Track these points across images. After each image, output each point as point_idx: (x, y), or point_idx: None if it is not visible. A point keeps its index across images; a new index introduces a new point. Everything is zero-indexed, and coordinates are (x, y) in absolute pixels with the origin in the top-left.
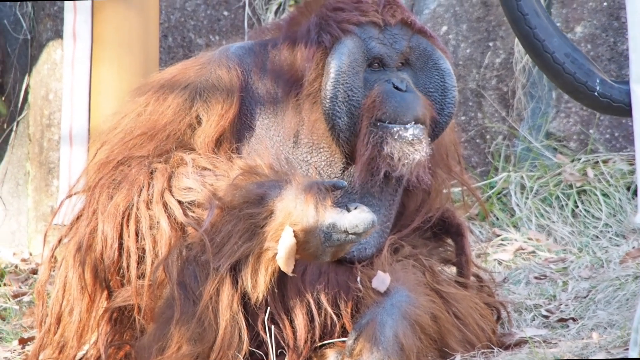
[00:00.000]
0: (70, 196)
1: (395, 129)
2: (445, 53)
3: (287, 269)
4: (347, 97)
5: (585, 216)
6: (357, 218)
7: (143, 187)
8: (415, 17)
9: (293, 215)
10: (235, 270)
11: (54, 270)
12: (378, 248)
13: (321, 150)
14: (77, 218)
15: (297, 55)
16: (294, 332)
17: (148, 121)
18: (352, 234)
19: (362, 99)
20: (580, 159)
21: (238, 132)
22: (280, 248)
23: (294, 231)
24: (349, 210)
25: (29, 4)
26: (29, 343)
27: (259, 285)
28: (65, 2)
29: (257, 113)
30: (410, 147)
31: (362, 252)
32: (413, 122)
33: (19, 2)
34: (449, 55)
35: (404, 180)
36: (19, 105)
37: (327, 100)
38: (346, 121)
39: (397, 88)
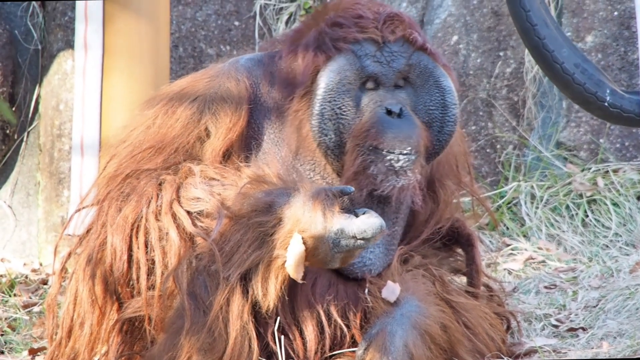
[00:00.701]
0: (79, 210)
1: (388, 157)
2: (448, 69)
3: (297, 276)
4: (335, 115)
5: (595, 225)
6: (365, 223)
7: (152, 198)
8: (418, 34)
9: (301, 222)
10: (245, 280)
11: (64, 281)
12: (384, 267)
13: (313, 164)
14: (87, 231)
15: (295, 69)
16: (304, 343)
17: (157, 134)
18: (360, 239)
19: (352, 118)
20: (590, 169)
21: (246, 144)
22: (290, 255)
23: (302, 238)
24: (357, 216)
25: (40, 14)
26: (39, 354)
27: (269, 293)
28: (76, 12)
29: (265, 125)
30: (394, 175)
31: (369, 273)
32: (405, 153)
33: (29, 13)
34: (451, 72)
35: (393, 200)
36: (30, 115)
37: (315, 117)
38: (334, 138)
39: (390, 112)
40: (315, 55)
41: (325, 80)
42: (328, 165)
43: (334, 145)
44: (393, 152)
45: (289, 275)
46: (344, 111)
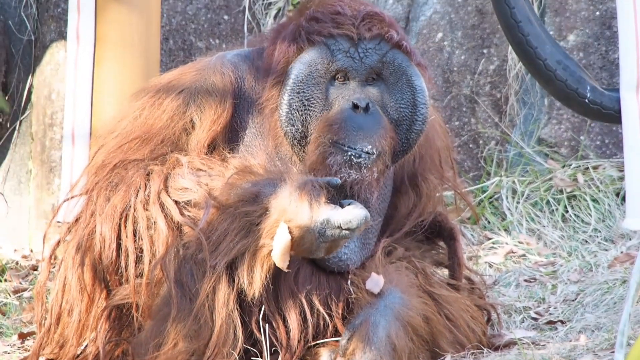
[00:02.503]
0: (68, 199)
1: (348, 153)
2: (423, 69)
3: (283, 265)
4: (303, 106)
5: (575, 221)
6: (351, 214)
7: (140, 188)
8: (396, 32)
9: (287, 212)
10: (231, 269)
11: (54, 268)
12: (360, 261)
13: (280, 153)
14: (76, 220)
15: (271, 61)
16: (287, 332)
17: (144, 125)
18: (345, 229)
19: (320, 110)
20: (570, 165)
21: (230, 137)
22: (276, 244)
23: (288, 228)
24: (342, 207)
25: (34, 6)
26: (28, 338)
27: (255, 282)
28: (69, 3)
29: (249, 119)
30: (349, 168)
31: (345, 268)
32: (366, 151)
33: (23, 4)
34: (426, 71)
35: (348, 192)
36: (22, 104)
37: (283, 107)
38: (300, 129)
39: (357, 107)
40: (289, 47)
41: (295, 72)
42: (294, 154)
43: (300, 136)
44: (354, 148)
45: (274, 264)
46: (312, 103)
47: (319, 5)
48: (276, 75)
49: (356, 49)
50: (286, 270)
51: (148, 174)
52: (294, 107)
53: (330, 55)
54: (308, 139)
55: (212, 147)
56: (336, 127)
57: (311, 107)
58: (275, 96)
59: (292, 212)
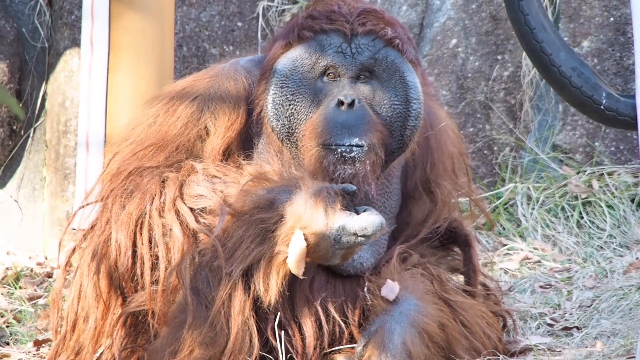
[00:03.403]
0: (84, 206)
1: (338, 150)
2: (416, 66)
3: (298, 272)
4: (288, 101)
5: (590, 227)
6: (366, 220)
7: (155, 195)
8: (393, 30)
9: (303, 219)
10: (247, 276)
11: (69, 276)
12: (374, 264)
13: (273, 150)
14: (92, 227)
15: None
16: (303, 339)
17: (158, 132)
18: (361, 236)
19: (307, 106)
20: (585, 171)
21: (245, 142)
22: (291, 251)
23: (304, 234)
24: (357, 213)
25: (47, 13)
26: (43, 345)
27: (270, 289)
28: (83, 10)
29: (262, 124)
30: (343, 164)
31: (359, 268)
32: (354, 145)
33: (37, 12)
34: (418, 67)
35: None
36: (36, 112)
37: (269, 102)
38: (287, 124)
39: (342, 103)
40: (279, 44)
41: (279, 67)
42: (287, 150)
43: (287, 131)
44: (342, 145)
45: (289, 271)
46: (297, 98)
47: (318, 4)
48: (264, 73)
49: (349, 45)
50: (302, 277)
51: (163, 181)
52: (277, 102)
53: (320, 50)
54: (296, 135)
55: (227, 154)
56: (321, 130)
57: (297, 102)
58: (262, 94)
59: (308, 219)
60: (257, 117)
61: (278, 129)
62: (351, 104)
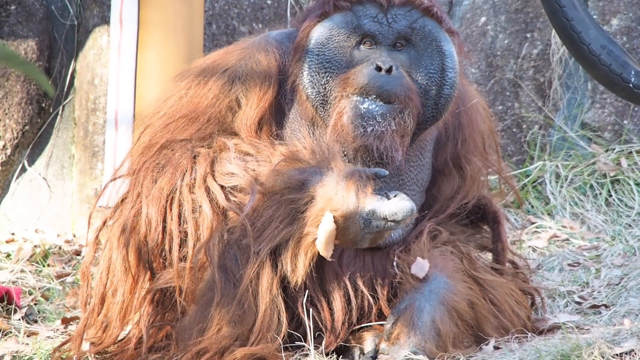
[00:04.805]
0: (114, 179)
1: (354, 99)
2: (453, 35)
3: (327, 253)
4: (324, 68)
5: (618, 205)
6: (397, 206)
7: (186, 171)
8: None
9: (334, 201)
10: (275, 255)
11: (98, 252)
12: (403, 235)
13: (309, 121)
14: (122, 200)
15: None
16: (332, 315)
17: (190, 104)
18: (391, 221)
19: (342, 72)
20: (614, 149)
21: (277, 114)
22: (320, 233)
23: (334, 217)
24: (388, 198)
25: None
26: (71, 323)
27: (298, 269)
28: None
29: (293, 96)
30: (361, 119)
31: (389, 240)
32: (378, 99)
33: None
34: (456, 36)
35: (375, 152)
36: (65, 89)
37: (305, 70)
38: (322, 91)
39: (380, 69)
40: (315, 14)
41: (315, 35)
42: (321, 120)
43: (322, 99)
44: (363, 97)
45: (318, 253)
46: (333, 65)
47: None
48: (299, 42)
49: (385, 15)
50: (330, 260)
51: (195, 157)
52: (314, 69)
53: (356, 20)
54: (330, 102)
55: (260, 125)
56: (352, 80)
57: (332, 69)
58: (297, 62)
59: (338, 202)
60: (292, 86)
61: (313, 97)
62: (389, 70)
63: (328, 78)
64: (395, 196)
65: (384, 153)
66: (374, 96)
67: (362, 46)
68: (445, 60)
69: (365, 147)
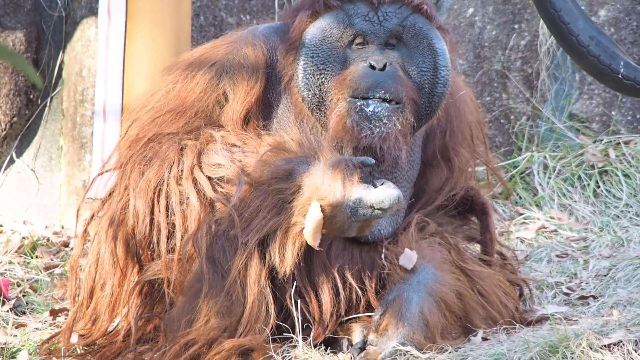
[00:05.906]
0: (102, 173)
1: (358, 103)
2: (444, 32)
3: (314, 243)
4: (318, 70)
5: (606, 196)
6: (383, 194)
7: (173, 163)
8: None
9: (320, 190)
10: (263, 245)
11: (86, 245)
12: (392, 232)
13: (304, 121)
14: (110, 194)
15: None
16: (320, 306)
17: (177, 98)
18: (378, 209)
19: (336, 73)
20: (602, 140)
21: (264, 108)
22: (308, 222)
23: (321, 206)
24: (375, 186)
25: None
26: (59, 314)
27: (286, 259)
28: None
29: (281, 91)
30: (367, 122)
31: (377, 235)
32: (378, 97)
33: None
34: (446, 34)
35: (378, 152)
36: (53, 81)
37: (299, 73)
38: (317, 94)
39: (373, 67)
40: (306, 13)
41: (309, 37)
42: (317, 121)
43: (318, 101)
44: (366, 98)
45: (305, 242)
46: (327, 67)
47: None
48: (292, 43)
49: (375, 13)
50: (318, 249)
51: (182, 149)
52: (309, 72)
53: (348, 19)
54: (327, 103)
55: (246, 119)
56: (351, 81)
57: (327, 71)
58: (292, 64)
59: (325, 191)
60: (285, 87)
61: (309, 99)
62: (383, 68)
63: (323, 80)
64: (382, 184)
65: (388, 153)
66: (376, 97)
67: (353, 46)
68: (438, 58)
69: (369, 147)
